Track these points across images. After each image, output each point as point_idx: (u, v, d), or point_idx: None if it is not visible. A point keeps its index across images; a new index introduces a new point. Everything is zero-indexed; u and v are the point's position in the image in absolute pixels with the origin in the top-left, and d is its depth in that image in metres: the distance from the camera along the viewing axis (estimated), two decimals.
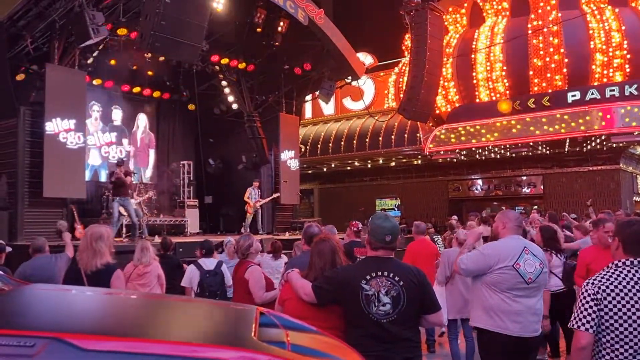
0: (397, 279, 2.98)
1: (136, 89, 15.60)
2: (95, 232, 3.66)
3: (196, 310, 2.35)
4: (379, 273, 2.99)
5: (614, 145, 18.56)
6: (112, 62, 13.98)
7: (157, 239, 10.12)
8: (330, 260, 3.19)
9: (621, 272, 2.69)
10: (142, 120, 16.55)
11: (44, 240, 5.92)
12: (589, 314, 2.64)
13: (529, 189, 21.69)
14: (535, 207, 20.37)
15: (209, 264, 5.98)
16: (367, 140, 22.81)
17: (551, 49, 18.76)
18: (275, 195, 15.43)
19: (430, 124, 20.70)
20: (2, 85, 11.37)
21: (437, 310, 3.13)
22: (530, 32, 19.15)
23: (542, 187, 21.24)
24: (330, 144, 23.90)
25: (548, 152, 20.26)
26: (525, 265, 3.87)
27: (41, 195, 10.95)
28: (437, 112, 20.51)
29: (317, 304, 3.02)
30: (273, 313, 2.41)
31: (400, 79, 21.72)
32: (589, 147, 19.36)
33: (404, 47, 22.81)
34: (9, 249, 5.90)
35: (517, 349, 3.86)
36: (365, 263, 3.19)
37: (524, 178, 21.78)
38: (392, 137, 22.10)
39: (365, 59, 23.45)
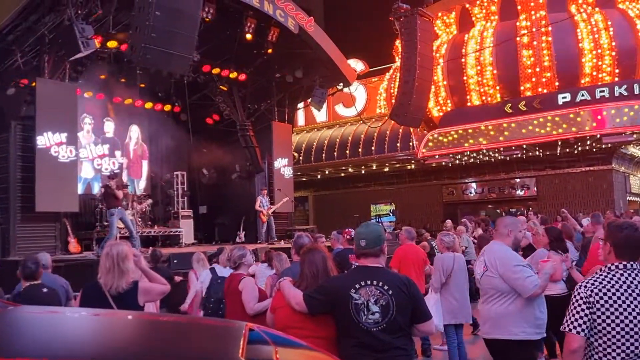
0: (386, 287, 3.00)
1: (128, 101, 15.55)
2: (122, 252, 3.58)
3: (184, 328, 2.35)
4: (368, 282, 3.01)
5: (606, 145, 18.66)
6: (103, 74, 13.97)
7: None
8: (322, 269, 3.21)
9: (614, 275, 2.70)
10: (134, 131, 16.48)
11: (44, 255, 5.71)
12: (581, 317, 2.64)
13: (523, 191, 21.77)
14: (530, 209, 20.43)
15: (223, 271, 5.94)
16: (360, 146, 22.85)
17: (540, 52, 18.87)
18: (285, 200, 15.25)
19: (423, 129, 20.75)
20: None
21: (427, 319, 3.15)
22: (519, 35, 19.27)
23: (535, 189, 21.32)
24: (324, 151, 23.90)
25: (540, 154, 20.35)
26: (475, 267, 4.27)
27: (34, 210, 10.87)
28: (429, 116, 20.57)
29: (309, 314, 3.04)
30: (263, 329, 2.40)
31: (392, 85, 21.77)
32: (580, 148, 19.46)
33: (394, 53, 22.88)
34: None
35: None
36: (355, 272, 3.23)
37: (518, 180, 21.87)
38: (385, 142, 22.14)
39: (357, 65, 23.51)
